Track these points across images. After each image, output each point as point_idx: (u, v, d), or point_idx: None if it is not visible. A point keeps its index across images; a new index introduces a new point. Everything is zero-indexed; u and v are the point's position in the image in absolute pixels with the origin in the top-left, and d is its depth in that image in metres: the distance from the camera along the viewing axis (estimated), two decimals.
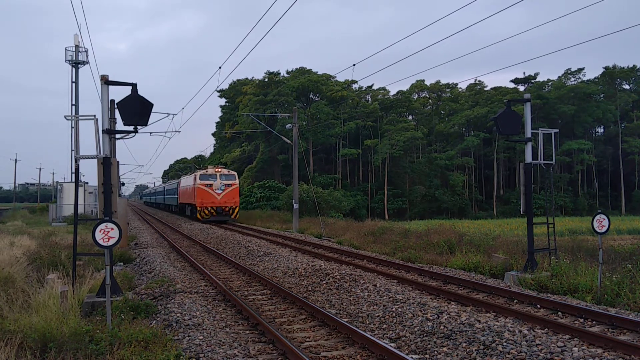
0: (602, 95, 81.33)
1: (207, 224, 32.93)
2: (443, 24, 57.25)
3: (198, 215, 33.64)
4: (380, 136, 77.50)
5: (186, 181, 40.92)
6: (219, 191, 33.80)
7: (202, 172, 35.06)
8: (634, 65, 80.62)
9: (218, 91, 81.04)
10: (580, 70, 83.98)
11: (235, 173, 36.38)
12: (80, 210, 30.86)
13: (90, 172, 44.77)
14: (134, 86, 10.30)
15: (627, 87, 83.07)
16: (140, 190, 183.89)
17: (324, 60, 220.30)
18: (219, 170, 35.27)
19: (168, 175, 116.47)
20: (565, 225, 42.93)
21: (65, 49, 37.08)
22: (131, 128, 10.60)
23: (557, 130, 14.05)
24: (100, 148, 10.20)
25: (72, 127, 31.27)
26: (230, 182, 34.57)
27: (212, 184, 33.70)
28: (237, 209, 34.87)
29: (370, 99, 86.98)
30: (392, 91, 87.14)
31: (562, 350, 6.52)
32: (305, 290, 11.66)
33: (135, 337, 6.86)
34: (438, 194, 75.22)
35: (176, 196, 48.31)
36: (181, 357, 6.51)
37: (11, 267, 11.42)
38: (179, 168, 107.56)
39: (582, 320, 8.37)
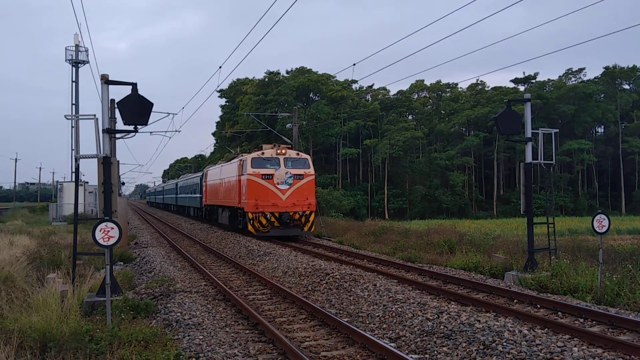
0: (602, 95, 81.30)
1: (260, 238, 21.33)
2: (443, 24, 57.29)
3: (249, 227, 20.86)
4: (380, 136, 77.50)
5: (221, 171, 27.22)
6: (285, 186, 21.04)
7: (255, 155, 21.76)
8: (634, 66, 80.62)
9: (218, 91, 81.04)
10: (581, 70, 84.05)
11: (308, 157, 22.55)
12: (81, 209, 30.87)
13: (90, 172, 44.66)
14: (134, 86, 10.30)
15: (627, 87, 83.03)
16: (141, 189, 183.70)
17: (324, 59, 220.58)
18: (284, 151, 21.61)
19: (168, 174, 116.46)
20: (565, 225, 42.95)
21: (66, 49, 37.08)
22: (131, 127, 10.61)
23: (557, 130, 14.06)
24: (101, 147, 10.21)
25: (72, 127, 31.24)
26: (301, 170, 21.59)
27: (272, 175, 20.97)
28: (313, 215, 21.76)
29: (370, 99, 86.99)
30: (393, 91, 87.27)
31: (562, 350, 6.52)
32: (305, 289, 11.66)
33: (135, 336, 6.85)
34: (438, 194, 75.22)
35: (199, 195, 35.45)
36: (181, 356, 6.51)
37: (11, 267, 11.42)
38: (179, 167, 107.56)
39: (582, 320, 8.37)
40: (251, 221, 20.83)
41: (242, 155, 24.08)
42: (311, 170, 21.91)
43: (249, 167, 21.22)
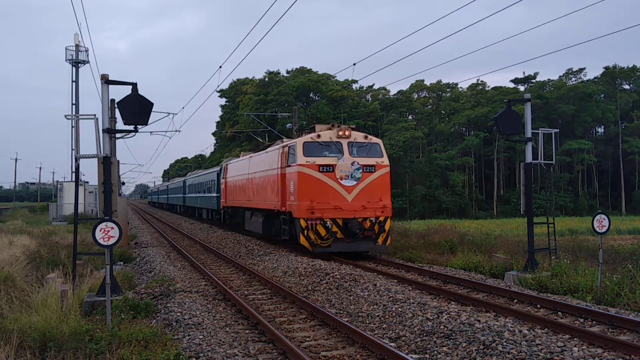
0: (602, 95, 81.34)
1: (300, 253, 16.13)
2: (443, 24, 57.32)
3: (302, 239, 15.25)
4: (381, 136, 77.45)
5: (251, 164, 21.48)
6: (351, 182, 15.55)
7: (308, 138, 16.11)
8: (634, 66, 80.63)
9: (218, 91, 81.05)
10: (581, 70, 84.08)
11: (380, 141, 16.93)
12: (81, 209, 30.79)
13: (90, 172, 44.55)
14: (134, 85, 10.31)
15: (627, 87, 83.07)
16: (141, 189, 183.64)
17: (324, 59, 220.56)
18: (347, 133, 16.06)
19: (168, 174, 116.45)
20: (565, 225, 42.97)
21: (66, 49, 37.13)
22: (131, 127, 10.63)
23: (557, 130, 14.08)
24: (101, 147, 10.21)
25: (72, 127, 31.20)
26: (372, 160, 16.04)
27: (333, 166, 15.51)
28: (389, 222, 16.18)
29: (370, 99, 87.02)
30: (393, 91, 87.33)
31: (562, 350, 6.52)
32: (305, 289, 11.66)
33: (135, 336, 6.85)
34: (438, 194, 75.22)
35: (215, 195, 30.35)
36: (181, 356, 6.50)
37: (11, 267, 11.43)
38: (180, 167, 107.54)
39: (582, 320, 8.37)
40: (305, 231, 15.11)
41: (283, 141, 18.69)
42: (385, 160, 16.21)
43: (300, 154, 15.54)
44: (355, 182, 15.54)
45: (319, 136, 15.93)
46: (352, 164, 15.56)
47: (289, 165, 16.32)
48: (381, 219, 15.72)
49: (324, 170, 15.40)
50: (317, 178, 15.36)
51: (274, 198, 17.54)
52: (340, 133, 15.91)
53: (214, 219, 32.29)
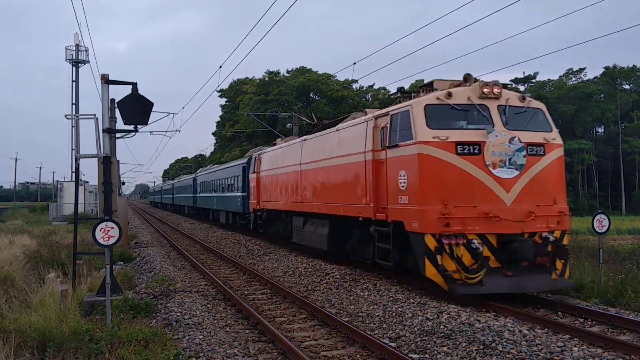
0: (602, 95, 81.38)
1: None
2: (444, 24, 57.34)
3: (428, 269, 8.94)
4: None
5: (304, 150, 15.55)
6: (510, 172, 9.22)
7: (432, 98, 9.69)
8: (634, 65, 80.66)
9: (218, 91, 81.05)
10: (581, 70, 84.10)
11: (543, 106, 10.41)
12: (81, 209, 30.77)
13: (90, 171, 44.43)
14: (134, 85, 10.31)
15: (627, 87, 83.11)
16: (141, 189, 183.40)
17: (324, 58, 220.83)
18: (495, 90, 9.66)
19: (168, 174, 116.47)
20: None
21: (66, 48, 37.14)
22: (131, 127, 10.63)
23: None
24: (101, 147, 10.21)
25: (72, 126, 31.18)
26: (538, 136, 9.76)
27: (481, 145, 9.19)
28: (567, 238, 9.84)
29: (370, 99, 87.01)
30: (393, 90, 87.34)
31: (562, 350, 6.52)
32: (305, 289, 11.66)
33: (135, 336, 6.85)
34: None
35: (239, 194, 24.85)
36: (181, 356, 6.50)
37: (10, 266, 11.43)
38: (180, 167, 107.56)
39: (582, 320, 8.37)
40: (435, 255, 9.05)
41: (366, 112, 12.62)
42: (556, 136, 10.28)
43: (422, 125, 9.49)
44: (516, 173, 9.42)
45: (449, 95, 9.71)
46: (511, 141, 9.44)
47: (395, 146, 10.22)
48: (556, 234, 9.58)
49: (465, 151, 9.31)
50: (453, 165, 9.26)
51: (358, 199, 11.77)
52: (486, 90, 9.71)
53: (237, 224, 25.96)
